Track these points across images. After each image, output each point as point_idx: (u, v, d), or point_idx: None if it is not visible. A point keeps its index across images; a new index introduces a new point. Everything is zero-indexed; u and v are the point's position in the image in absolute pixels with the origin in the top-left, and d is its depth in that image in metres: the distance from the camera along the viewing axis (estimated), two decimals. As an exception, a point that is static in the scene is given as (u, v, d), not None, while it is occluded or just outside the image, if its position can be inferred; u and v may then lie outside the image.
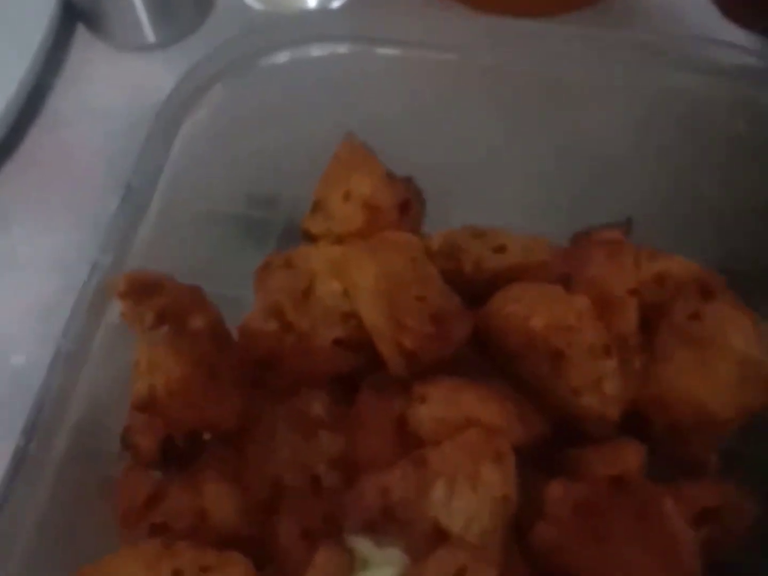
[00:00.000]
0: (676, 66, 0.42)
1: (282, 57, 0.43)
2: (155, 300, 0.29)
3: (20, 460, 0.29)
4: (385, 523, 0.28)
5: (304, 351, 0.34)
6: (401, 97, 0.44)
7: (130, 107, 0.53)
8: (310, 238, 0.39)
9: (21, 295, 0.45)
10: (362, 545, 0.28)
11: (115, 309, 0.31)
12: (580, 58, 0.43)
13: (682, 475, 0.32)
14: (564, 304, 0.32)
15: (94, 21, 0.55)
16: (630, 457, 0.31)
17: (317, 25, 0.45)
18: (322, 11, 0.56)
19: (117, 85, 0.54)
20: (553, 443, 0.32)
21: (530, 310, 0.32)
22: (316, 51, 0.44)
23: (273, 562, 0.29)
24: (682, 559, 0.27)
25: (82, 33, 0.56)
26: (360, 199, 0.37)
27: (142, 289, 0.29)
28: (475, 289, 0.36)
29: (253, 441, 0.33)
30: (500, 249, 0.37)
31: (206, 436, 0.33)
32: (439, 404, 0.31)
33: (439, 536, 0.28)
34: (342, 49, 0.44)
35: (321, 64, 0.44)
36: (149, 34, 0.54)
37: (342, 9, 0.57)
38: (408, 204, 0.38)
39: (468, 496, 0.28)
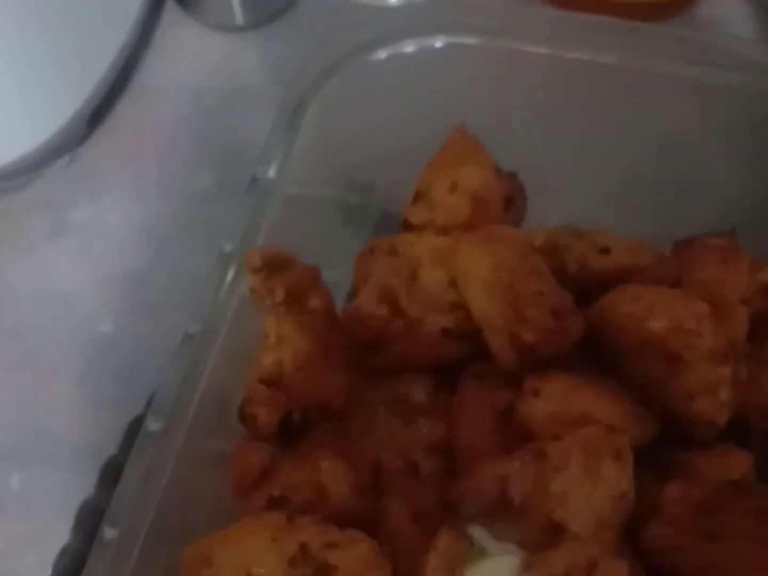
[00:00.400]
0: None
1: (383, 52, 0.43)
2: (285, 276, 0.30)
3: (142, 434, 0.29)
4: (501, 513, 0.29)
5: (412, 337, 0.34)
6: (496, 91, 0.44)
7: (217, 85, 0.54)
8: (410, 227, 0.39)
9: (109, 263, 0.45)
10: (479, 534, 0.28)
11: (240, 287, 0.31)
12: (672, 58, 0.43)
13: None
14: (684, 307, 0.32)
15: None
16: (740, 462, 0.31)
17: (413, 19, 0.45)
18: (410, 5, 0.56)
19: (203, 63, 0.54)
20: (659, 445, 0.32)
21: (649, 311, 0.32)
22: (411, 46, 0.44)
23: (381, 542, 0.29)
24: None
25: (171, 9, 0.56)
26: (468, 191, 0.37)
27: (274, 265, 0.29)
28: (578, 289, 0.36)
29: (355, 422, 0.33)
30: (604, 250, 0.37)
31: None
32: (554, 399, 0.31)
33: (556, 531, 0.28)
34: (436, 42, 0.44)
35: (417, 59, 0.44)
36: (239, 16, 0.55)
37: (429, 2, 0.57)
38: (513, 199, 0.39)
39: (588, 492, 0.28)
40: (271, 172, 0.36)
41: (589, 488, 0.28)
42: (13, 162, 0.47)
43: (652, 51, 0.43)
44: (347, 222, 0.42)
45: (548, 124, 0.44)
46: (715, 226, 0.39)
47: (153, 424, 0.29)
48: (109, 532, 0.27)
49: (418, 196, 0.39)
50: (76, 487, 0.38)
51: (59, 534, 0.37)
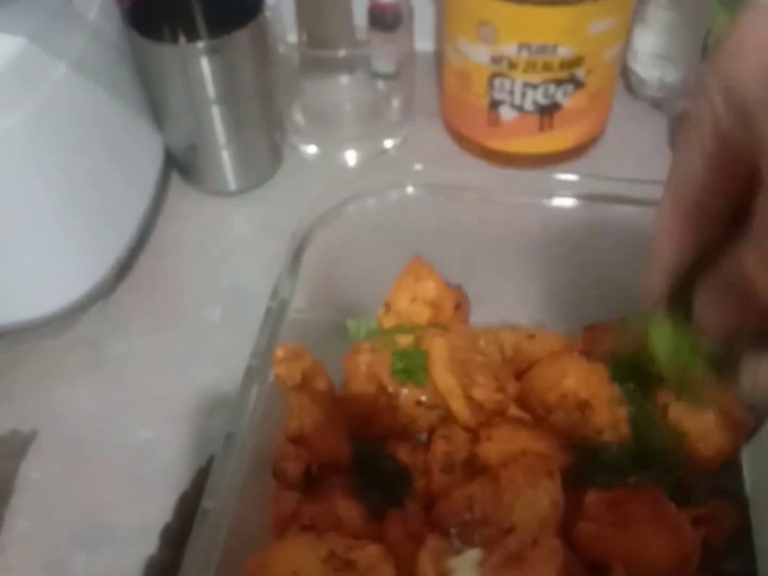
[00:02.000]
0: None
1: (351, 207, 0.56)
2: (300, 363, 0.41)
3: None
4: (470, 522, 0.39)
5: (393, 409, 0.46)
6: (442, 228, 0.57)
7: (216, 239, 0.67)
8: (385, 331, 0.51)
9: (141, 385, 0.56)
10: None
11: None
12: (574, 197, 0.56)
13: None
14: (587, 367, 0.44)
15: (189, 171, 0.69)
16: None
17: (370, 180, 0.58)
18: (368, 167, 0.71)
19: (205, 222, 0.68)
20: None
21: (563, 373, 0.44)
22: (371, 201, 0.57)
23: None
24: (686, 538, 0.38)
25: (176, 180, 0.70)
26: (426, 300, 0.50)
27: (292, 355, 0.41)
28: (513, 367, 0.49)
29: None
30: (531, 336, 0.50)
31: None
32: (501, 441, 0.43)
33: (509, 532, 0.39)
34: (392, 196, 0.57)
35: (378, 210, 0.57)
36: (231, 183, 0.68)
37: (387, 163, 0.71)
38: (460, 304, 0.51)
39: (530, 502, 0.39)
40: (280, 303, 0.47)
41: (531, 499, 0.39)
42: (59, 310, 0.58)
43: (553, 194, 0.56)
44: (338, 336, 0.53)
45: (487, 252, 0.57)
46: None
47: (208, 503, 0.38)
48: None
49: (389, 308, 0.52)
50: (132, 560, 0.48)
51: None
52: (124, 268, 0.63)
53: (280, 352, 0.41)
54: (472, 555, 0.38)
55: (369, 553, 0.37)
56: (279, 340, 0.46)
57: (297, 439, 0.40)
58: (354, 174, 0.71)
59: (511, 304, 0.56)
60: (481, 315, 0.54)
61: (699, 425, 0.45)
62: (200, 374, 0.57)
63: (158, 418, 0.55)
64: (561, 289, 0.56)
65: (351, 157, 0.72)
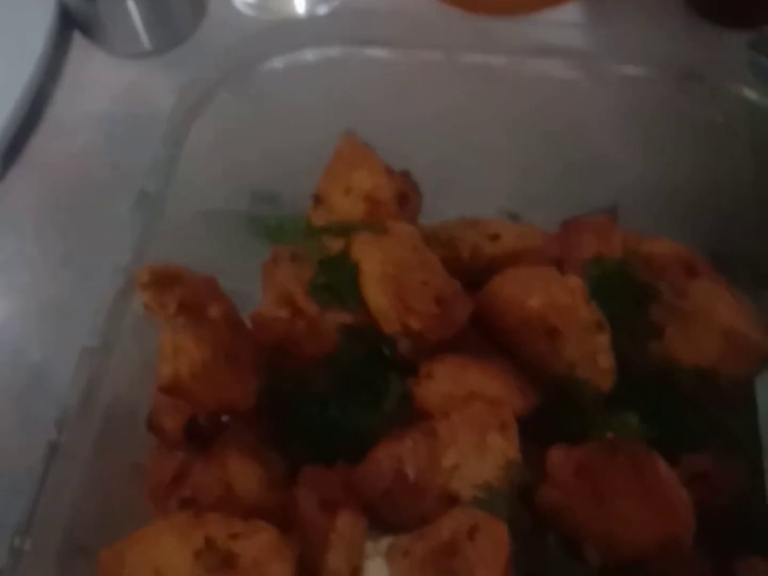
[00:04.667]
0: (647, 62, 0.44)
1: (278, 62, 0.45)
2: (176, 290, 0.31)
3: (54, 451, 0.30)
4: (399, 490, 0.30)
5: (313, 335, 0.36)
6: (393, 95, 0.46)
7: (128, 112, 0.55)
8: (312, 232, 0.41)
9: (33, 294, 0.47)
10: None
11: (137, 303, 0.33)
12: (563, 54, 0.45)
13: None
14: (558, 284, 0.34)
15: (91, 29, 0.56)
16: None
17: (309, 31, 0.47)
18: (313, 17, 0.58)
19: (114, 91, 0.56)
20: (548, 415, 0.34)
21: (527, 291, 0.34)
22: (310, 55, 0.46)
23: (294, 531, 0.31)
24: (678, 513, 0.29)
25: (78, 41, 0.57)
26: (361, 193, 0.39)
27: (163, 280, 0.31)
28: (472, 275, 0.38)
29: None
30: (495, 237, 0.40)
31: (224, 418, 0.34)
32: (445, 380, 0.33)
33: (450, 501, 0.30)
34: (333, 52, 0.46)
35: (316, 68, 0.46)
36: (145, 41, 0.56)
37: (331, 14, 0.59)
38: (406, 196, 0.41)
39: (476, 463, 0.30)
40: (159, 186, 0.37)
41: (476, 459, 0.30)
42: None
43: (540, 48, 0.45)
44: (254, 234, 0.43)
45: (445, 125, 0.46)
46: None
47: (58, 438, 0.30)
48: (20, 542, 0.28)
49: (318, 201, 0.41)
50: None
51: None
52: (12, 150, 0.52)
53: (143, 275, 0.31)
54: (395, 542, 0.29)
55: (258, 543, 0.28)
56: (163, 239, 0.37)
57: (171, 389, 0.30)
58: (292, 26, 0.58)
59: (476, 193, 0.45)
60: (437, 208, 0.43)
61: (702, 352, 0.35)
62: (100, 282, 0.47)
63: (51, 336, 0.46)
64: (540, 174, 0.45)
65: (296, 4, 0.59)
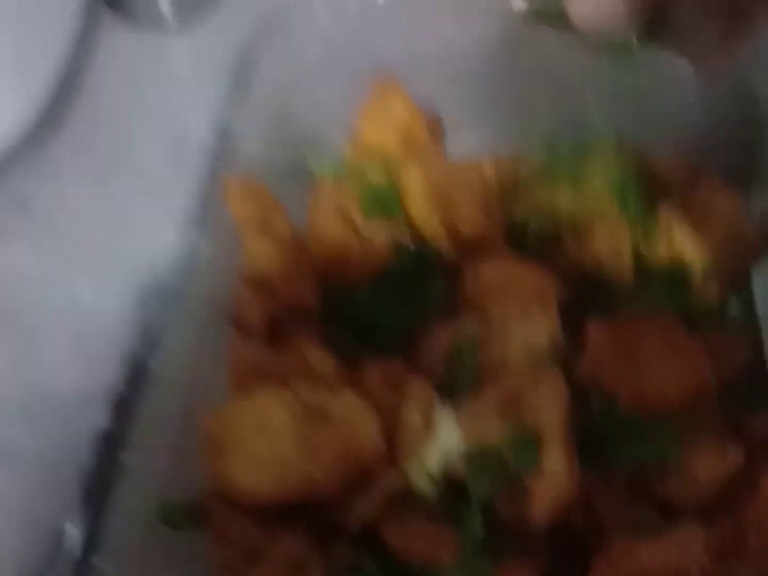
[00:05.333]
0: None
1: (307, 19, 0.48)
2: (258, 199, 0.35)
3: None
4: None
5: (366, 248, 0.40)
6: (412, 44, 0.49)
7: (154, 79, 0.59)
8: (352, 165, 0.45)
9: (78, 246, 0.50)
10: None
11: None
12: None
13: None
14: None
15: (116, 2, 0.60)
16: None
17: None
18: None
19: (141, 60, 0.59)
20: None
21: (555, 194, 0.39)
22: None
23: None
24: (700, 366, 0.34)
25: (105, 15, 0.61)
26: (396, 125, 0.44)
27: (248, 190, 0.35)
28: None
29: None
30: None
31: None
32: (489, 276, 0.37)
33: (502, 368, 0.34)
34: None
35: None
36: (167, 15, 0.60)
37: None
38: (435, 131, 0.45)
39: (524, 334, 0.35)
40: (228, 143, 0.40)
41: (526, 334, 0.35)
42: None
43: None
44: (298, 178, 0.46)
45: (467, 70, 0.49)
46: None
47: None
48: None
49: (354, 139, 0.45)
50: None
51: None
52: (51, 115, 0.55)
53: (233, 185, 0.35)
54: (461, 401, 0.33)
55: (346, 402, 0.32)
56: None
57: (256, 283, 0.34)
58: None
59: (497, 131, 0.49)
60: (458, 145, 0.47)
61: (705, 246, 0.40)
62: (143, 225, 0.51)
63: (99, 276, 0.49)
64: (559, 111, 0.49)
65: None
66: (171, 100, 0.57)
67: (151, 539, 0.30)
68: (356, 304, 0.40)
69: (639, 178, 0.39)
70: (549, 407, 0.30)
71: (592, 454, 0.31)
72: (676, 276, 0.39)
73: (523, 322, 0.35)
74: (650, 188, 0.40)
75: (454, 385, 0.34)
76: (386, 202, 0.40)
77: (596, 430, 0.33)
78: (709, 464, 0.32)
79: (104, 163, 0.54)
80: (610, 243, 0.38)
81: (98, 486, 0.39)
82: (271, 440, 0.30)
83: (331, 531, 0.31)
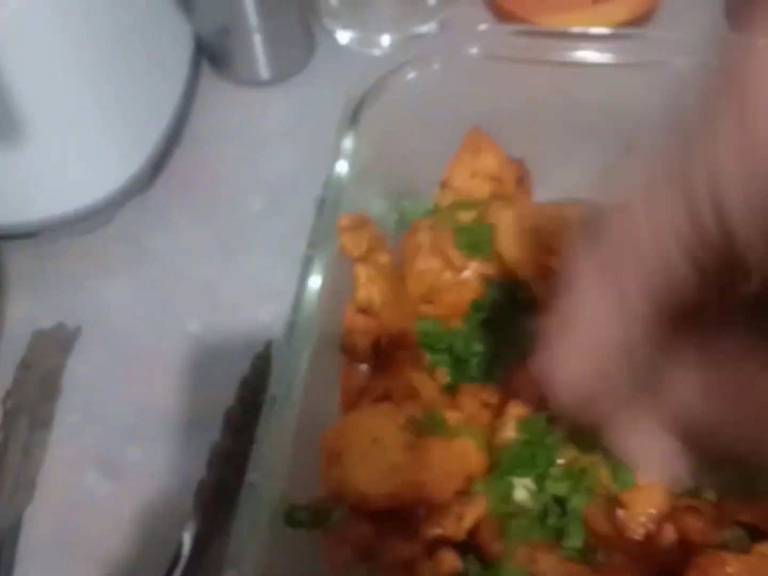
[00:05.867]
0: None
1: (402, 78, 0.52)
2: (365, 233, 0.39)
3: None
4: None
5: (460, 284, 0.43)
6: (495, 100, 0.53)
7: (252, 130, 0.64)
8: (442, 210, 0.48)
9: (184, 281, 0.55)
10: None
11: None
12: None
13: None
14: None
15: (218, 59, 0.65)
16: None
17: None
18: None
19: (240, 113, 0.65)
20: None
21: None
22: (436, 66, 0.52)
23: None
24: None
25: (207, 71, 0.66)
26: (486, 174, 0.47)
27: (357, 224, 0.39)
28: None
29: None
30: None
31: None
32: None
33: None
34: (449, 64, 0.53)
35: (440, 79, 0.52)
36: (264, 72, 0.65)
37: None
38: (523, 179, 0.48)
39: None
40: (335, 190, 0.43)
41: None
42: (96, 203, 0.56)
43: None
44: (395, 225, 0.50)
45: (551, 124, 0.53)
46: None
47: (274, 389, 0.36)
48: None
49: (444, 187, 0.49)
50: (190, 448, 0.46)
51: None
52: (159, 161, 0.60)
53: (344, 220, 0.38)
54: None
55: (453, 417, 0.35)
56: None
57: (365, 310, 0.38)
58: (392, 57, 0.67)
59: (578, 182, 0.52)
60: (543, 193, 0.51)
61: None
62: (244, 264, 0.55)
63: (205, 308, 0.53)
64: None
65: (387, 41, 0.68)
66: (266, 149, 0.62)
67: (273, 548, 0.32)
68: (452, 335, 0.43)
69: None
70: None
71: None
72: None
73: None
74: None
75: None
76: (478, 239, 0.44)
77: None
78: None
79: (207, 206, 0.59)
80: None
81: (214, 499, 0.42)
82: (385, 449, 0.33)
83: (438, 538, 0.33)
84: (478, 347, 0.42)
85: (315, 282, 0.39)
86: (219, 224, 0.58)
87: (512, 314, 0.43)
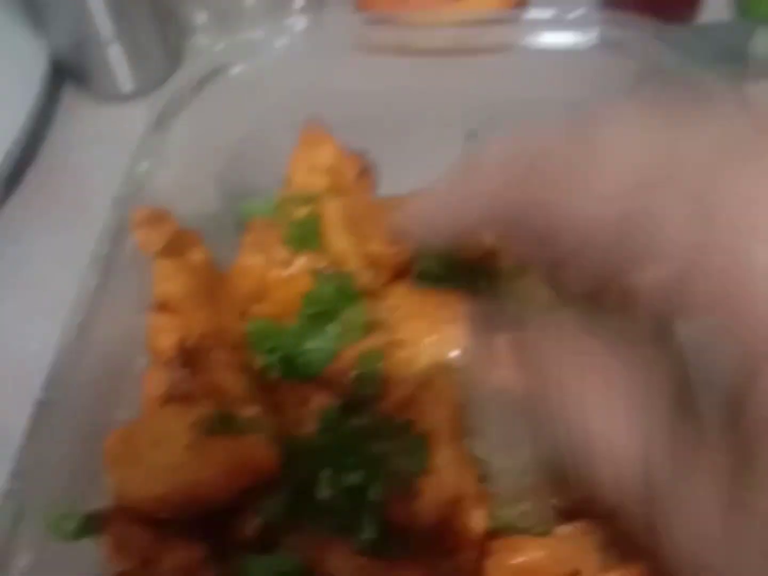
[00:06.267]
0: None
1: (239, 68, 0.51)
2: (165, 227, 0.37)
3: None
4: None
5: (288, 281, 0.41)
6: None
7: (112, 147, 0.61)
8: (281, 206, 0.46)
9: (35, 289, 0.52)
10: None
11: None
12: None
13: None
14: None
15: (78, 75, 0.63)
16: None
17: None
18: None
19: (100, 129, 0.62)
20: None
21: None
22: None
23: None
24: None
25: (70, 89, 0.64)
26: (323, 168, 0.46)
27: (154, 218, 0.37)
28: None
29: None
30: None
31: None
32: (400, 297, 0.38)
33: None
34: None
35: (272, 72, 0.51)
36: (125, 83, 0.63)
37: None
38: (363, 171, 0.47)
39: (433, 347, 0.35)
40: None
41: (434, 344, 0.35)
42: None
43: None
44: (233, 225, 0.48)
45: (403, 116, 0.51)
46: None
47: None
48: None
49: (286, 184, 0.47)
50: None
51: None
52: (11, 180, 0.58)
53: (139, 215, 0.36)
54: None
55: (245, 415, 0.32)
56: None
57: (164, 307, 0.35)
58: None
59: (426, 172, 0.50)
60: (392, 186, 0.49)
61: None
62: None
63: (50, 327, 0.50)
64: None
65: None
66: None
67: (45, 558, 0.30)
68: (280, 333, 0.41)
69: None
70: (437, 408, 0.31)
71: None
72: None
73: (432, 335, 0.35)
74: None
75: (360, 397, 0.34)
76: (307, 234, 0.42)
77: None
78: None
79: (67, 221, 0.56)
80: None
81: None
82: (165, 450, 0.31)
83: (230, 540, 0.31)
84: (310, 343, 0.40)
85: (95, 281, 0.37)
86: (78, 240, 0.55)
87: (343, 305, 0.41)
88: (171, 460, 0.30)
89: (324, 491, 0.31)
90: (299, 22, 0.50)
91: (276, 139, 0.48)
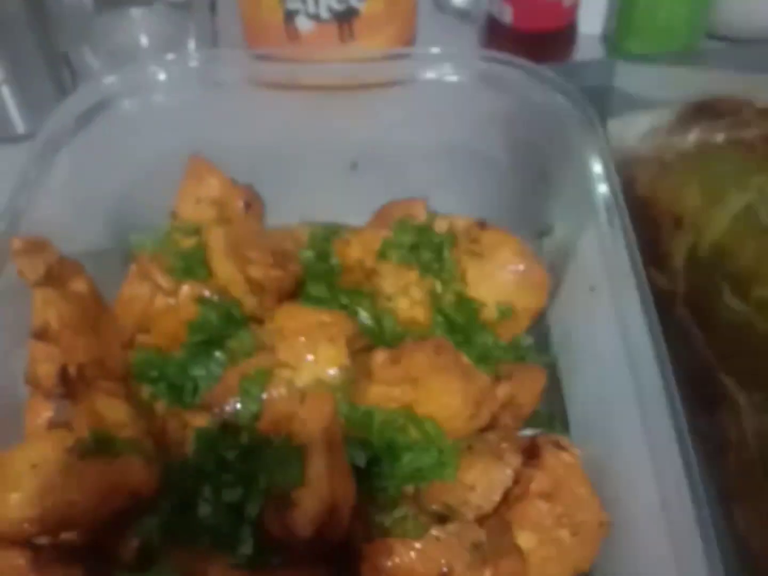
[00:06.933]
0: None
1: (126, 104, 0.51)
2: (45, 256, 0.37)
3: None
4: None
5: (173, 310, 0.42)
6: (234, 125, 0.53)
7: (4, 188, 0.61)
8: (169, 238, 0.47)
9: None
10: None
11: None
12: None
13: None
14: (372, 237, 0.41)
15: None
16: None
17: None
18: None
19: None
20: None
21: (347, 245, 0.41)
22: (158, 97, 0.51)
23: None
24: (476, 380, 0.36)
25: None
26: (209, 200, 0.46)
27: (33, 247, 0.37)
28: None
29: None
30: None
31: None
32: (283, 318, 0.39)
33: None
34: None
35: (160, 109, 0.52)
36: (18, 126, 0.63)
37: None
38: (250, 202, 0.48)
39: (312, 365, 0.36)
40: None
41: (313, 364, 0.36)
42: None
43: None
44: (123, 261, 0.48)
45: (291, 148, 0.53)
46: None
47: None
48: None
49: (174, 217, 0.48)
50: None
51: None
52: None
53: (17, 244, 0.36)
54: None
55: (123, 438, 0.32)
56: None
57: (43, 335, 0.35)
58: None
59: (317, 204, 0.52)
60: (281, 217, 0.50)
61: (497, 288, 0.43)
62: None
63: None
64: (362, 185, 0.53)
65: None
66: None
67: None
68: (164, 362, 0.41)
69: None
70: (312, 423, 0.31)
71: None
72: (468, 315, 0.42)
73: (311, 354, 0.36)
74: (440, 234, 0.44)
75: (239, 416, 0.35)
76: (193, 264, 0.42)
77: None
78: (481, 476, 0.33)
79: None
80: (398, 280, 0.41)
81: None
82: (40, 474, 0.31)
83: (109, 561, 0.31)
84: (197, 371, 0.41)
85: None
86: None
87: (229, 332, 0.41)
88: (45, 482, 0.30)
89: (203, 509, 0.32)
90: (191, 57, 0.50)
91: (164, 173, 0.49)
